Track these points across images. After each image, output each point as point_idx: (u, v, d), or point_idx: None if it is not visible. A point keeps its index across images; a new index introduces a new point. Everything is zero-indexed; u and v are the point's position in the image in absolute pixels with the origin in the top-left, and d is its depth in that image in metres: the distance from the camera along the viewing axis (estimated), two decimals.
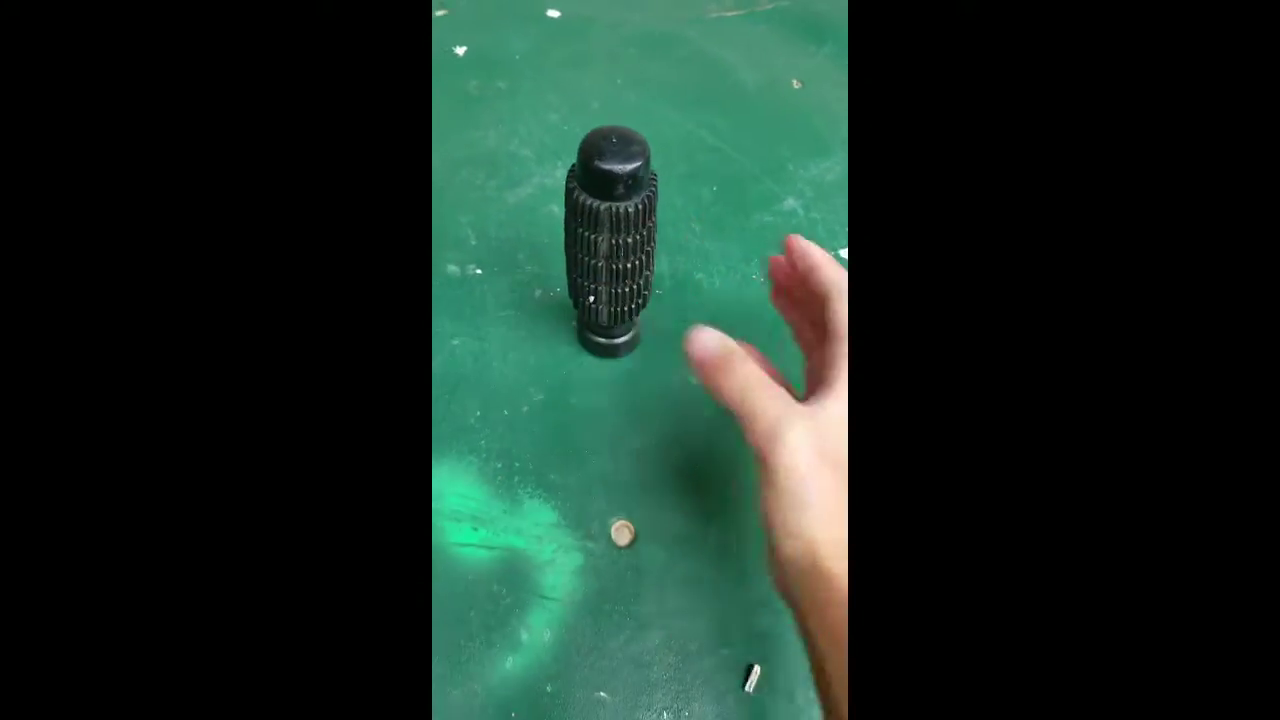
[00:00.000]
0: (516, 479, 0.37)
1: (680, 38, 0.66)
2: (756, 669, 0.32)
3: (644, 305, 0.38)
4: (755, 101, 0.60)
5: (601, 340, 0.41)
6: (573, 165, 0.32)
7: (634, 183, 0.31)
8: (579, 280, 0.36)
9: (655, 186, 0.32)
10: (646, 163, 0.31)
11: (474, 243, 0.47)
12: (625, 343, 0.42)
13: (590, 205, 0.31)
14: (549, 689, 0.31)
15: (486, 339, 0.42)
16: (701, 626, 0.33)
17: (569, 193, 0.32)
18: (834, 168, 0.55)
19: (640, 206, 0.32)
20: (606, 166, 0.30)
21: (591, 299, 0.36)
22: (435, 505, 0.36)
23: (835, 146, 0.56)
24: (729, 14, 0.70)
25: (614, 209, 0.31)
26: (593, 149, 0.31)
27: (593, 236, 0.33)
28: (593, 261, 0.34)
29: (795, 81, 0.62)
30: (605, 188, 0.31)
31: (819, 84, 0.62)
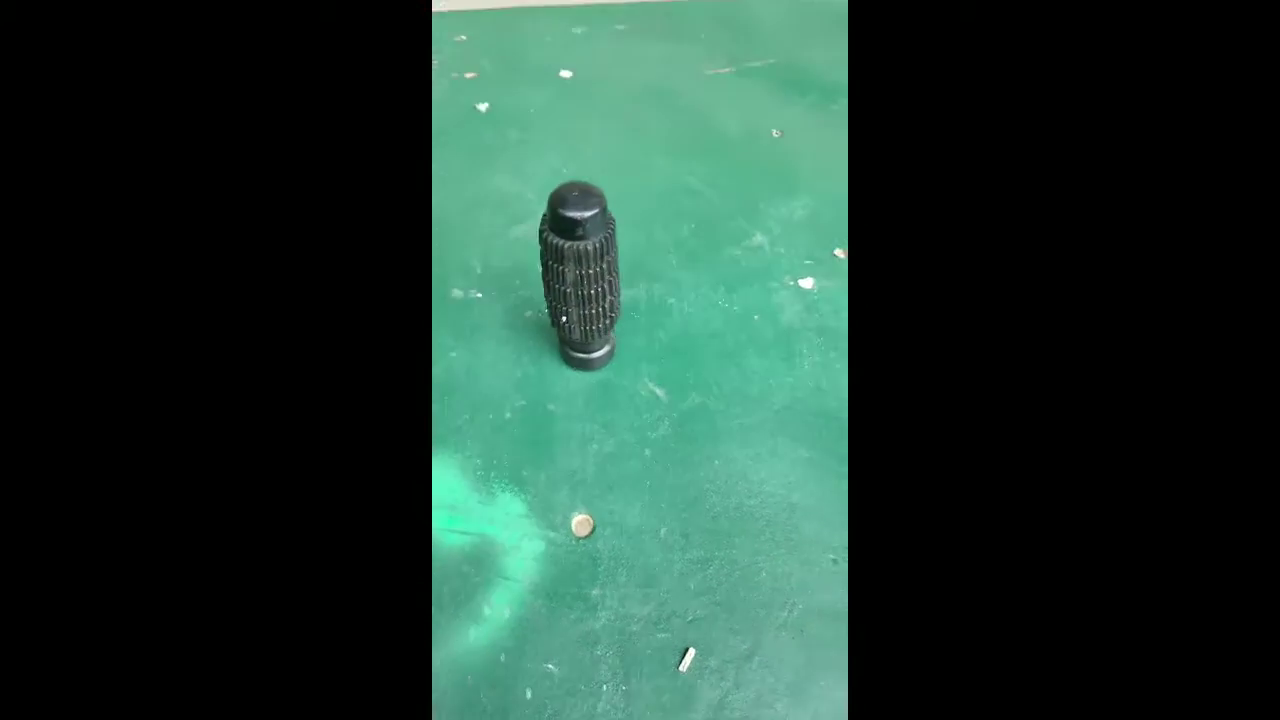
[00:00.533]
0: (493, 474, 0.39)
1: (676, 93, 0.68)
2: (691, 651, 0.33)
3: (611, 325, 0.40)
4: (737, 148, 0.61)
5: (580, 355, 0.43)
6: (544, 213, 0.35)
7: (591, 226, 0.33)
8: (553, 304, 0.37)
9: (612, 229, 0.34)
10: (603, 211, 0.33)
11: (479, 271, 0.50)
12: (600, 357, 0.43)
13: (557, 244, 0.33)
14: (503, 659, 0.32)
15: (480, 353, 0.44)
16: (645, 612, 0.34)
17: (541, 234, 0.34)
18: (802, 207, 0.56)
19: (598, 245, 0.33)
20: (568, 214, 0.32)
21: (564, 319, 0.38)
22: None
23: (804, 188, 0.57)
24: (723, 71, 0.72)
25: (576, 247, 0.33)
26: (559, 199, 0.33)
27: (560, 269, 0.34)
28: (562, 289, 0.35)
29: (775, 131, 0.64)
30: (568, 230, 0.33)
31: (797, 132, 0.63)
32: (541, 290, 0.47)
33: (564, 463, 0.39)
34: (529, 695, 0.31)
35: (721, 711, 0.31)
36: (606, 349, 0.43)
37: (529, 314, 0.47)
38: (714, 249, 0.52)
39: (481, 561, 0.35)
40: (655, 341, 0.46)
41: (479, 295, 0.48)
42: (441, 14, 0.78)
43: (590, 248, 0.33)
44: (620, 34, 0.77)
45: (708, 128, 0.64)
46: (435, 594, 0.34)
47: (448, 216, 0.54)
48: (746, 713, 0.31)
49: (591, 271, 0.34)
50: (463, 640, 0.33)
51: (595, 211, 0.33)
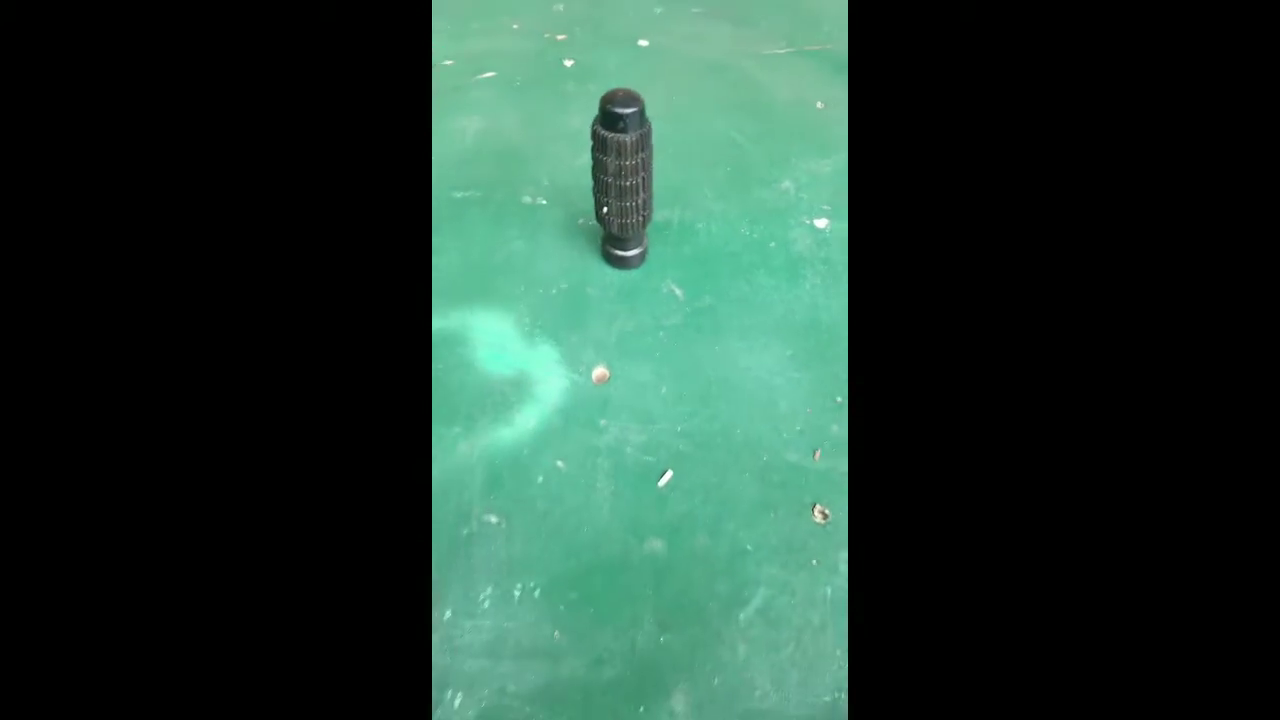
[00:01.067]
0: (537, 330, 0.47)
1: (734, 66, 0.74)
2: (669, 473, 0.40)
3: (644, 223, 0.47)
4: (782, 114, 0.67)
5: (617, 253, 0.50)
6: (597, 114, 0.43)
7: (630, 122, 0.41)
8: (598, 195, 0.45)
9: (650, 130, 0.42)
10: (641, 111, 0.41)
11: (546, 184, 0.58)
12: (634, 257, 0.50)
13: (603, 135, 0.41)
14: (525, 453, 0.40)
15: (538, 244, 0.53)
16: (640, 440, 0.41)
17: (592, 129, 0.42)
18: (829, 165, 0.61)
19: (635, 140, 0.41)
20: (614, 109, 0.40)
21: (605, 210, 0.45)
22: (479, 337, 0.47)
23: (835, 151, 0.62)
24: (780, 51, 0.78)
25: (618, 138, 0.41)
26: (607, 99, 0.41)
27: (604, 159, 0.42)
28: (604, 179, 0.43)
29: (819, 103, 0.69)
30: (612, 123, 0.41)
31: (839, 105, 0.68)
32: (593, 204, 0.55)
33: (593, 331, 0.47)
34: (540, 480, 0.39)
35: (685, 519, 0.38)
36: (639, 251, 0.51)
37: (581, 221, 0.55)
38: (745, 189, 0.58)
39: (519, 386, 0.44)
40: (681, 254, 0.53)
41: (544, 202, 0.57)
42: None
43: (629, 140, 0.41)
44: (695, 15, 0.84)
45: (759, 96, 0.70)
46: (480, 405, 0.43)
47: (526, 145, 0.63)
48: (709, 526, 0.38)
49: (629, 163, 0.42)
50: (497, 438, 0.41)
51: (635, 110, 0.40)
